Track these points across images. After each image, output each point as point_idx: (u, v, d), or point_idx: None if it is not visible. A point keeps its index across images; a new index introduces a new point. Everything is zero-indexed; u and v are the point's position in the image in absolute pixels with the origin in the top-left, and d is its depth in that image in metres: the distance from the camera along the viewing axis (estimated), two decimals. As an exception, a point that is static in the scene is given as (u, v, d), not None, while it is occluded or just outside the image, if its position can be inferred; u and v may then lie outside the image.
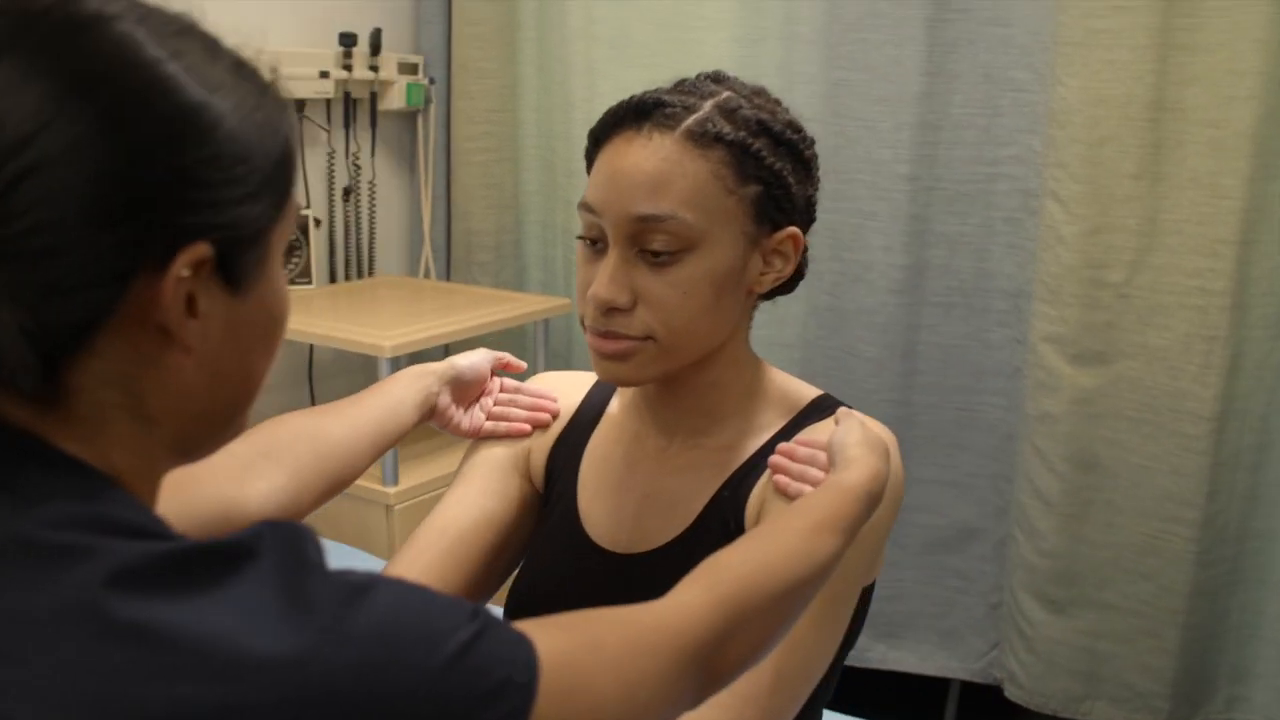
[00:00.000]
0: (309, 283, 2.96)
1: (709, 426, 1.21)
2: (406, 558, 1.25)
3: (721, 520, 1.16)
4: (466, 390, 1.34)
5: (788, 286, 1.25)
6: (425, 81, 3.16)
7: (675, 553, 1.17)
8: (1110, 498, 2.42)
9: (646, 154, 1.10)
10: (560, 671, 0.71)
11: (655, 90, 1.15)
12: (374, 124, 3.12)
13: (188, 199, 0.67)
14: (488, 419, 1.33)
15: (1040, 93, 2.40)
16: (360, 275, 3.16)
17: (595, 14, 2.86)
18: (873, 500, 1.02)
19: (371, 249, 3.17)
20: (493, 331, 2.71)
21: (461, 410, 1.33)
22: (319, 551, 0.68)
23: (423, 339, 2.54)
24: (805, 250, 1.26)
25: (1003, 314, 2.56)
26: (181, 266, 0.67)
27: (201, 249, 0.68)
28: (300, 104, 2.94)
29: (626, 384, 1.17)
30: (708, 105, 1.12)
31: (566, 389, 1.35)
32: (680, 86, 1.16)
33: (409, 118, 3.23)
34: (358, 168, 3.10)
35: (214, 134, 0.68)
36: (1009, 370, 2.57)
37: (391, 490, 2.55)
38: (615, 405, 1.30)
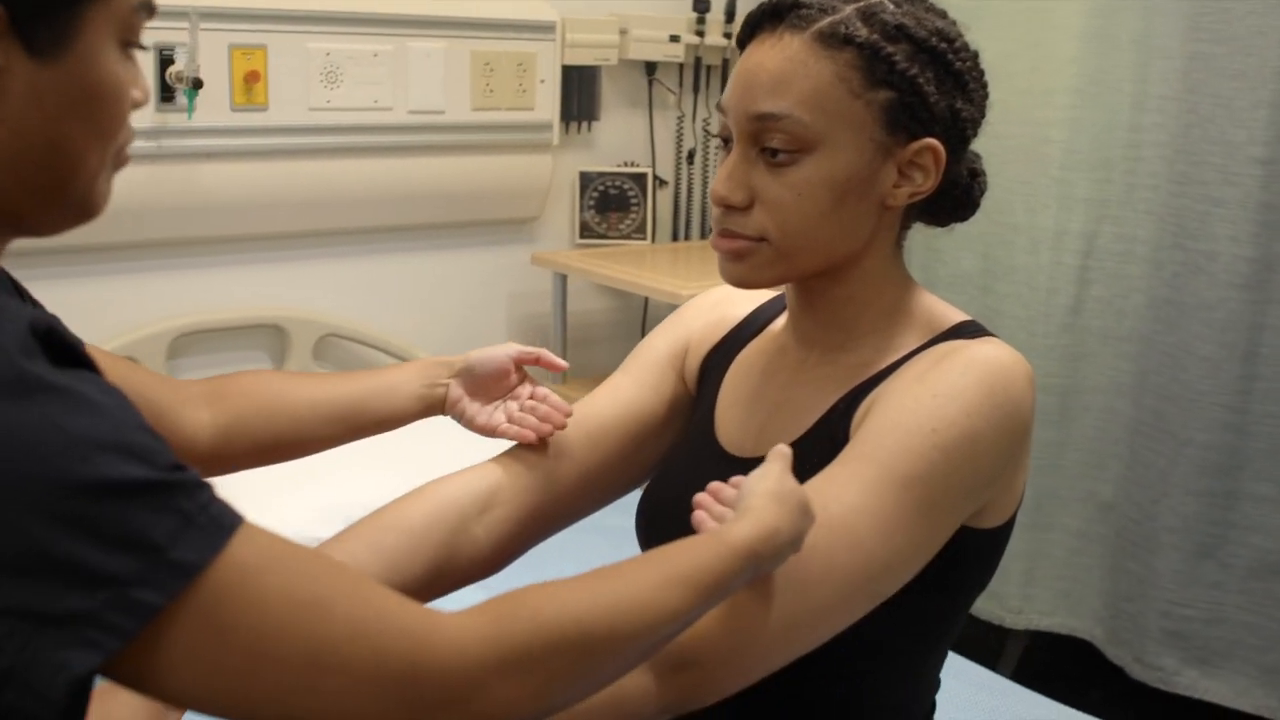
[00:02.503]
0: (644, 238, 3.06)
1: (845, 341, 1.18)
2: (557, 433, 1.30)
3: (830, 432, 1.13)
4: (483, 385, 1.30)
5: (958, 211, 1.20)
6: (781, 51, 3.17)
7: None
8: None
9: (774, 54, 1.10)
10: (231, 606, 0.68)
11: None
12: (724, 90, 3.17)
13: None
14: (507, 420, 1.28)
15: None
16: (702, 235, 3.24)
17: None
18: (759, 560, 0.93)
19: (704, 223, 3.24)
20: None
21: (478, 405, 1.29)
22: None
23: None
24: (976, 174, 1.19)
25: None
26: None
27: None
28: (651, 67, 3.05)
29: (744, 285, 1.16)
30: (848, 9, 1.10)
31: (736, 299, 1.35)
32: None
33: (764, 87, 3.26)
34: (706, 133, 3.17)
35: None
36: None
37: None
38: (779, 321, 1.29)
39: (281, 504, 2.04)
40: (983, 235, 2.67)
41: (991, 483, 1.08)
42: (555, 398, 1.29)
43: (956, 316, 1.18)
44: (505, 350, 1.30)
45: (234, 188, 2.53)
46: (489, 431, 1.28)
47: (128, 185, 2.38)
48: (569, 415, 1.26)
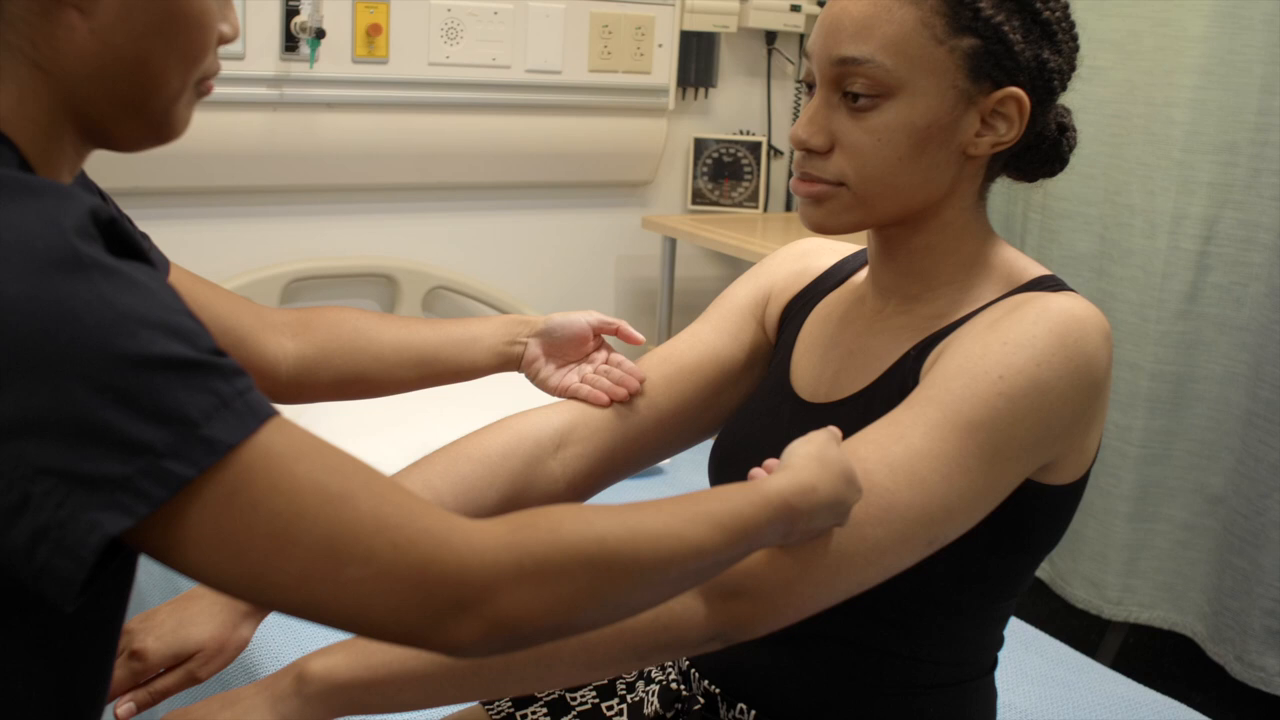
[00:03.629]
0: (756, 207, 3.06)
1: (922, 292, 1.17)
2: None
3: (899, 379, 1.13)
4: (560, 347, 1.32)
5: (1045, 165, 1.19)
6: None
7: (853, 405, 1.16)
8: None
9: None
10: (268, 491, 0.70)
11: None
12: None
13: None
14: (580, 381, 1.30)
15: None
16: (815, 210, 3.21)
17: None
18: (793, 514, 0.92)
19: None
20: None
21: (553, 366, 1.32)
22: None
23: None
24: (1065, 129, 1.18)
25: None
26: None
27: None
28: (771, 36, 3.04)
29: (822, 230, 1.15)
30: None
31: (820, 250, 1.36)
32: None
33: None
34: (825, 104, 3.14)
35: None
36: None
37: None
38: (861, 274, 1.29)
39: (367, 443, 2.08)
40: (1100, 217, 2.61)
41: (1060, 437, 1.07)
42: (630, 364, 1.31)
43: (1037, 271, 1.16)
44: (586, 316, 1.32)
45: (352, 138, 2.59)
46: (561, 392, 1.30)
47: (249, 131, 2.47)
48: (643, 381, 1.28)
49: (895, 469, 1.01)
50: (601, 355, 1.34)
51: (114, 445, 0.67)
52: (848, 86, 1.09)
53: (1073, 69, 1.14)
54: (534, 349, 1.32)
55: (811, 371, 1.24)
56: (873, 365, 1.17)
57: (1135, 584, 2.69)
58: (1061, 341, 1.04)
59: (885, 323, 1.20)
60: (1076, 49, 1.14)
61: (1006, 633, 1.23)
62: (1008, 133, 1.11)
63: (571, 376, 1.31)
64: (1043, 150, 1.17)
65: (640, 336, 1.35)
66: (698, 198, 3.05)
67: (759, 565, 0.99)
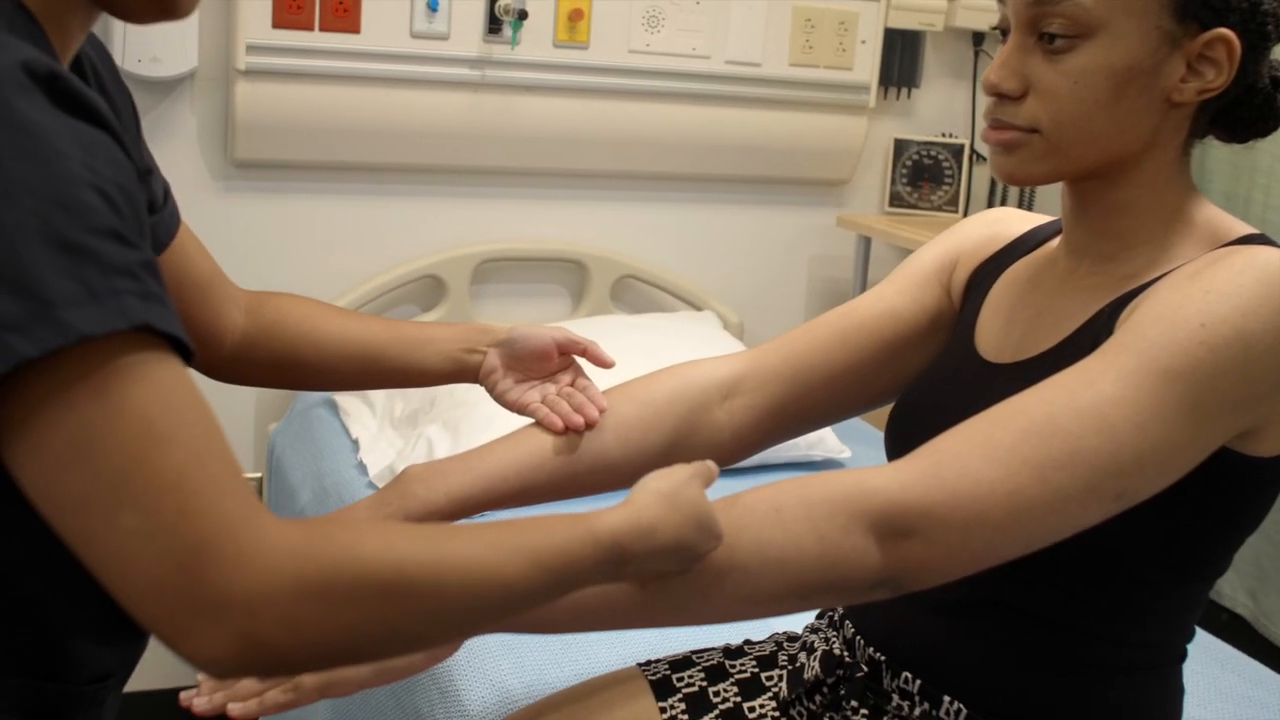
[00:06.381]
0: (955, 211, 2.98)
1: (1118, 251, 1.11)
2: (808, 327, 1.30)
3: (1091, 338, 1.07)
4: (521, 361, 1.25)
5: (1257, 123, 1.11)
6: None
7: (1040, 365, 1.10)
8: None
9: None
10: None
11: None
12: None
13: None
14: (542, 402, 1.24)
15: None
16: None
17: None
18: (624, 555, 0.86)
19: (1031, 192, 3.11)
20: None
21: (512, 380, 1.25)
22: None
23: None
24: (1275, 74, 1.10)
25: None
26: None
27: None
28: (978, 36, 2.96)
29: (1014, 180, 1.10)
30: None
31: (1012, 218, 1.31)
32: None
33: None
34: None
35: None
36: None
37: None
38: (1053, 242, 1.23)
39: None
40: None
41: (1264, 399, 0.99)
42: (595, 391, 1.24)
43: (1243, 229, 1.09)
44: (550, 332, 1.26)
45: (549, 122, 2.61)
46: (518, 408, 1.25)
47: (449, 110, 2.52)
48: (603, 411, 1.22)
49: (1083, 414, 0.95)
50: (568, 377, 1.27)
51: None
52: (1044, 27, 1.04)
53: None
54: (493, 360, 1.26)
55: (997, 333, 1.19)
56: (1062, 324, 1.11)
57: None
58: (1270, 293, 0.97)
59: (1077, 283, 1.13)
60: None
61: (1200, 649, 1.15)
62: (1216, 79, 1.04)
63: (532, 394, 1.25)
64: (1255, 105, 1.09)
65: (611, 360, 1.27)
66: (895, 200, 2.98)
67: (932, 505, 0.95)
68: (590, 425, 1.21)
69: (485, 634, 0.97)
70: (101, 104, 0.73)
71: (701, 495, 0.94)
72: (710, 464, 0.99)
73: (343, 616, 0.71)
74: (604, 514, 0.88)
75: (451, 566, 0.76)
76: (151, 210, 1.07)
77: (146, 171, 1.06)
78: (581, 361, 1.29)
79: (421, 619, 0.76)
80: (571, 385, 1.26)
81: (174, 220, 1.13)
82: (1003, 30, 1.10)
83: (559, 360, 1.27)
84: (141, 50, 2.27)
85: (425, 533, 0.78)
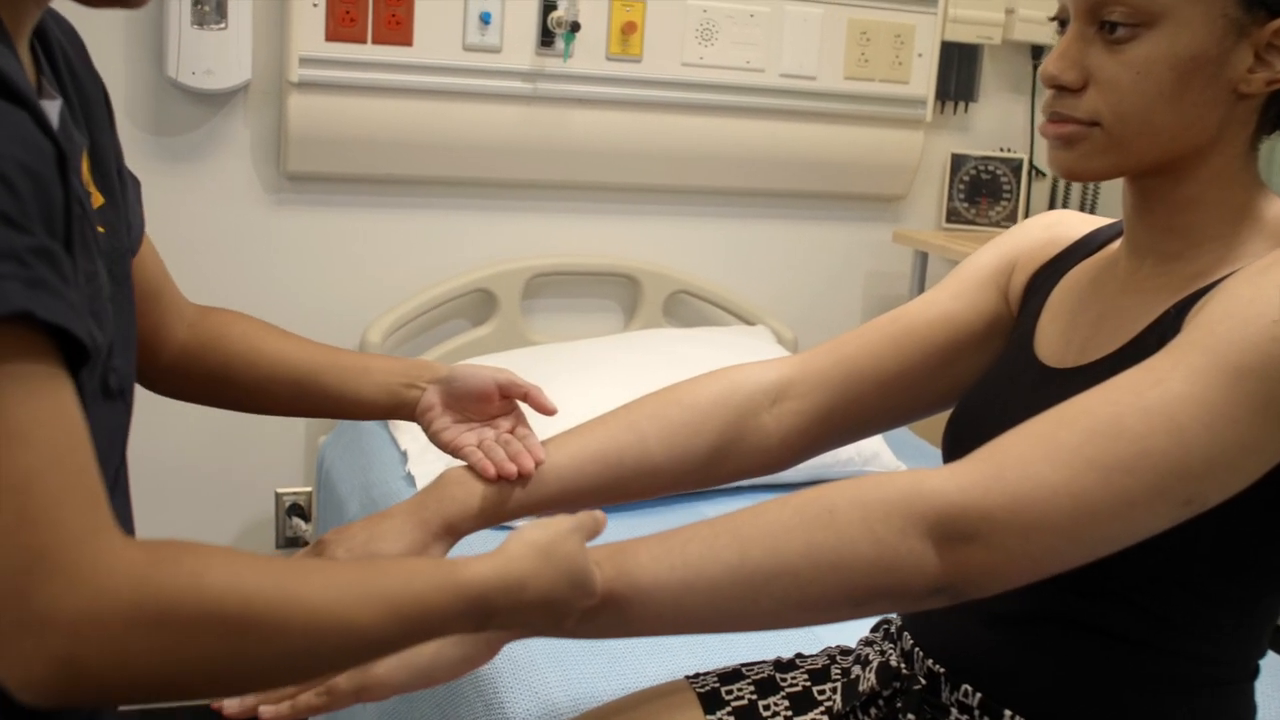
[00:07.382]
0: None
1: (1183, 250, 1.07)
2: (859, 331, 1.27)
3: (1157, 339, 1.02)
4: (460, 400, 1.22)
5: None
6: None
7: (1102, 369, 1.05)
8: None
9: None
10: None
11: None
12: None
13: None
14: (478, 446, 1.19)
15: None
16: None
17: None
18: (488, 609, 0.83)
19: (1094, 201, 3.06)
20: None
21: (450, 419, 1.22)
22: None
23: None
24: None
25: None
26: None
27: None
28: (1037, 50, 2.92)
29: (1073, 175, 1.07)
30: None
31: (1072, 221, 1.27)
32: None
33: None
34: (1093, 123, 3.00)
35: None
36: None
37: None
38: (1114, 244, 1.20)
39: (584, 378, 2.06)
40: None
41: None
42: (534, 441, 1.20)
43: None
44: (493, 373, 1.23)
45: (602, 135, 2.60)
46: (451, 450, 1.21)
47: (501, 123, 2.51)
48: (540, 463, 1.18)
49: (1150, 413, 0.91)
50: (508, 423, 1.23)
51: None
52: (1105, 15, 1.01)
53: None
54: (430, 397, 1.22)
55: (1058, 336, 1.15)
56: (1126, 327, 1.07)
57: None
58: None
59: (1141, 284, 1.09)
60: None
61: (1273, 670, 1.10)
62: None
63: (469, 436, 1.21)
64: None
65: (554, 407, 1.23)
66: (953, 216, 2.94)
67: (991, 508, 0.91)
68: (525, 476, 1.16)
69: (332, 676, 0.94)
70: (21, 80, 0.70)
71: (580, 550, 0.90)
72: (598, 514, 0.96)
73: (178, 650, 0.66)
74: (472, 563, 0.84)
75: (301, 607, 0.72)
76: None
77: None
78: (526, 408, 1.25)
79: (261, 660, 0.71)
80: (511, 432, 1.22)
81: (140, 225, 1.10)
82: (1061, 20, 1.07)
83: (500, 404, 1.23)
84: (195, 63, 2.28)
85: (276, 568, 0.73)
